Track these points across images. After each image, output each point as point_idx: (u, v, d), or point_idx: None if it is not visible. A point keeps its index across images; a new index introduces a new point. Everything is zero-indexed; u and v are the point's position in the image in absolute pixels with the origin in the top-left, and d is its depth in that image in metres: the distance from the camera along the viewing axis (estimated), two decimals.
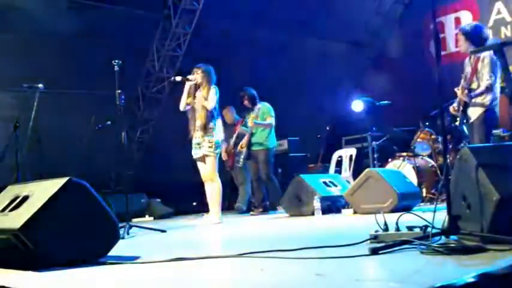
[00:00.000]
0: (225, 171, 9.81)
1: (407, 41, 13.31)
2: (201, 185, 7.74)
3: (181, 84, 7.69)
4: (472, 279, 2.10)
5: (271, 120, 9.59)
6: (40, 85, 7.29)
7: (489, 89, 6.71)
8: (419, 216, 3.54)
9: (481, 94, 6.77)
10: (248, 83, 9.99)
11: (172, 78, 7.92)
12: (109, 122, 9.30)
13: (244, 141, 9.74)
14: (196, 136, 7.55)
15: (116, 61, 6.69)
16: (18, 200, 3.80)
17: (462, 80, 7.05)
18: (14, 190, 4.06)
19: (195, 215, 9.73)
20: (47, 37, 9.70)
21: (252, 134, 9.70)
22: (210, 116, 7.49)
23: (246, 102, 9.82)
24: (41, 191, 3.68)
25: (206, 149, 7.46)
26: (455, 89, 7.02)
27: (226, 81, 7.91)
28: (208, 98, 7.46)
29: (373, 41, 14.02)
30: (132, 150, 11.77)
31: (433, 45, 3.87)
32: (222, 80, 7.76)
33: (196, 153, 7.59)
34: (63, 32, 9.63)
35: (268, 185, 9.67)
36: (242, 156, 9.80)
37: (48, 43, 9.76)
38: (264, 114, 9.62)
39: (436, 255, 2.81)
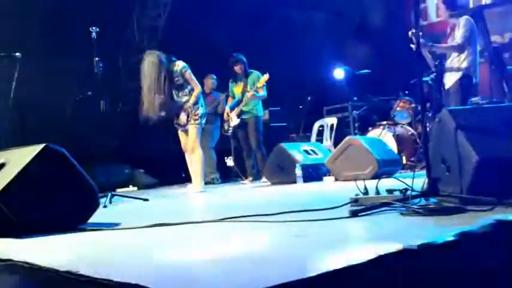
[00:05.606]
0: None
1: (388, 10, 13.27)
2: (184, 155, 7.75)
3: None
4: (451, 238, 2.11)
5: (264, 92, 9.36)
6: (18, 54, 7.15)
7: (457, 48, 6.68)
8: (399, 180, 3.55)
9: (446, 49, 6.79)
10: (229, 52, 9.85)
11: None
12: (90, 93, 9.23)
13: (237, 110, 9.52)
14: None
15: (94, 28, 6.63)
16: None
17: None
18: None
19: (179, 185, 9.71)
20: (26, 5, 9.55)
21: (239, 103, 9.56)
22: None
23: (238, 69, 9.53)
24: (18, 158, 3.63)
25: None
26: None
27: (207, 50, 7.85)
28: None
29: (355, 10, 13.97)
30: (115, 121, 11.69)
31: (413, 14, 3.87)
32: (203, 49, 7.72)
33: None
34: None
35: (257, 153, 9.51)
36: (232, 124, 9.65)
37: (27, 11, 9.62)
38: (255, 82, 9.33)
39: (416, 216, 2.83)
